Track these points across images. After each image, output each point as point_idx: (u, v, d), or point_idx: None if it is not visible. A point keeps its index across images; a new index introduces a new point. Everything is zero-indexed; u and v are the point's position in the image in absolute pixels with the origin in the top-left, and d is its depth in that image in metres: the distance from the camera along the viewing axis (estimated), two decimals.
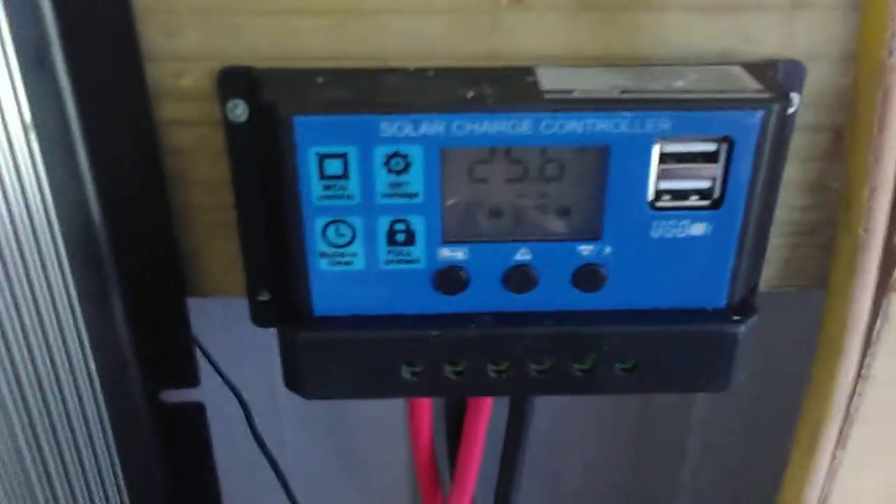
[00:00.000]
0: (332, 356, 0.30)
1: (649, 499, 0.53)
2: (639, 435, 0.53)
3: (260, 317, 0.34)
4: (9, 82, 0.26)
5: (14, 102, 0.26)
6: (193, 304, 0.35)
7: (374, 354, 0.30)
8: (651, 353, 0.30)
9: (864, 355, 0.34)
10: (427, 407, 0.33)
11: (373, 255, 0.29)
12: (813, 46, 0.30)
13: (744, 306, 0.30)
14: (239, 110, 0.30)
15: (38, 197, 0.28)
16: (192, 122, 0.31)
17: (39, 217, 0.28)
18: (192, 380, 0.36)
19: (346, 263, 0.29)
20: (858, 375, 0.33)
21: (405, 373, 0.30)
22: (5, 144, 0.27)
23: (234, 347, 0.43)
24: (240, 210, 0.32)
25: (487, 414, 0.32)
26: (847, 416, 0.36)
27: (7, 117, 0.26)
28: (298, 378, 0.30)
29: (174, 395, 0.37)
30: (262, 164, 0.30)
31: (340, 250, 0.28)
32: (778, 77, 0.29)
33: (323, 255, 0.28)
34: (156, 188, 0.32)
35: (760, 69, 0.29)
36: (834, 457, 0.36)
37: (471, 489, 0.34)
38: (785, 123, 0.29)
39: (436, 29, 0.29)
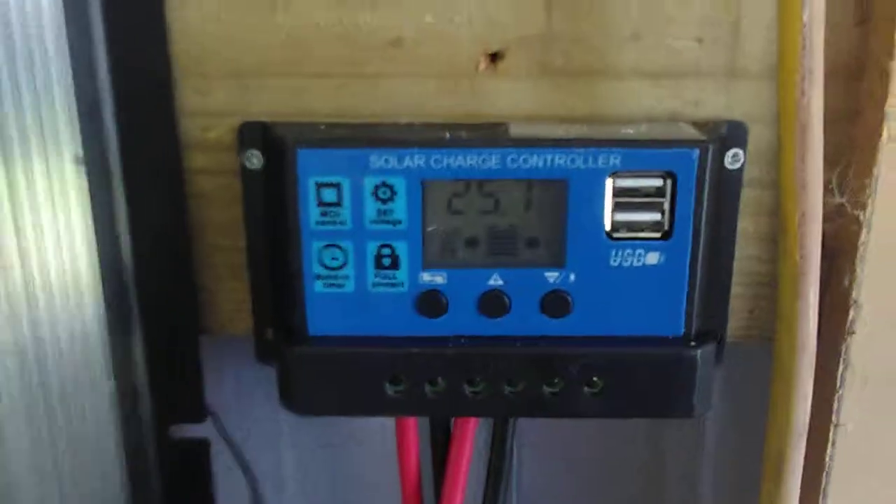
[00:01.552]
0: (323, 373, 0.33)
1: None
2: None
3: (264, 353, 0.37)
4: (68, 123, 0.31)
5: (70, 139, 0.32)
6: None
7: (361, 372, 0.33)
8: (616, 378, 0.33)
9: (826, 398, 0.36)
10: (413, 429, 0.35)
11: (362, 278, 0.32)
12: (752, 109, 0.34)
13: (702, 334, 0.33)
14: (254, 159, 0.34)
15: (83, 225, 0.33)
16: (214, 170, 0.36)
17: (81, 243, 0.33)
18: (199, 416, 0.39)
19: (339, 286, 0.32)
20: (822, 414, 0.34)
21: (389, 391, 0.33)
22: (59, 174, 0.32)
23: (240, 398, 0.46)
24: (250, 251, 0.36)
25: (471, 437, 0.35)
26: (822, 467, 0.37)
27: (64, 151, 0.32)
28: (293, 394, 0.33)
29: (182, 431, 0.39)
30: (270, 206, 0.34)
31: (334, 273, 0.32)
32: (721, 131, 0.34)
33: (318, 277, 0.32)
34: (180, 229, 0.36)
35: (706, 126, 0.34)
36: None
37: None
38: (724, 166, 0.33)
39: (424, 91, 0.34)
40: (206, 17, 0.33)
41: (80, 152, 0.32)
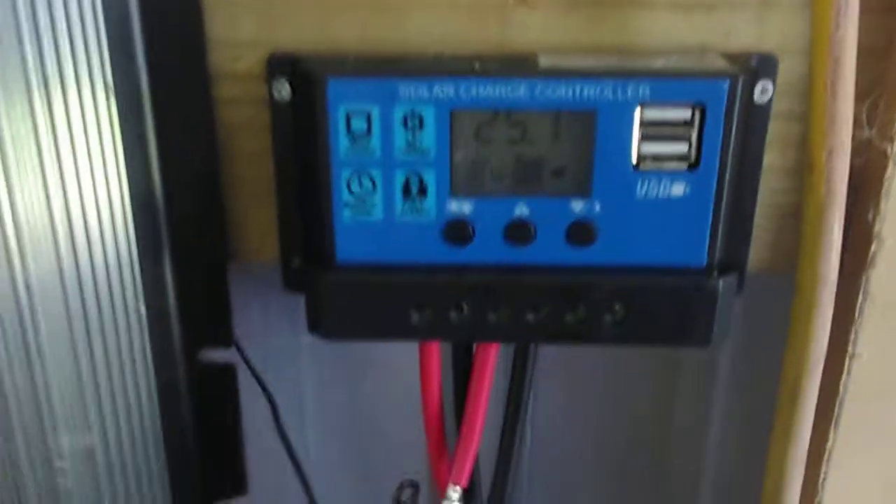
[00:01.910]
0: (351, 299, 0.34)
1: None
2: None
3: (291, 282, 0.38)
4: (98, 53, 0.32)
5: (100, 68, 0.32)
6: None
7: (387, 299, 0.34)
8: (638, 306, 0.33)
9: (843, 328, 0.36)
10: (436, 354, 0.36)
11: (390, 206, 0.33)
12: (784, 40, 0.34)
13: (724, 266, 0.33)
14: (283, 90, 0.35)
15: (113, 154, 0.33)
16: (243, 100, 0.36)
17: (112, 171, 0.34)
18: (227, 341, 0.40)
19: (367, 213, 0.33)
20: (838, 344, 0.35)
21: (415, 316, 0.34)
22: (91, 104, 0.32)
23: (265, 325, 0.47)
24: (278, 180, 0.37)
25: (493, 362, 0.35)
26: (836, 395, 0.38)
27: (95, 80, 0.32)
28: (321, 319, 0.34)
29: (210, 356, 0.40)
30: (299, 137, 0.35)
31: (362, 200, 0.33)
32: (751, 63, 0.33)
33: (347, 204, 0.33)
34: (209, 158, 0.37)
35: (737, 58, 0.33)
36: (826, 439, 0.38)
37: (477, 439, 0.36)
38: (753, 98, 0.33)
39: (452, 22, 0.34)
40: None
41: (110, 81, 0.32)
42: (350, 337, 0.35)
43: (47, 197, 0.31)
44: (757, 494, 0.40)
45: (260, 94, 0.36)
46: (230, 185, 0.38)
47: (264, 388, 0.45)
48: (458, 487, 0.36)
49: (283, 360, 0.50)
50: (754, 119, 0.34)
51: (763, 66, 0.34)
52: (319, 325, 0.34)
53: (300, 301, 0.37)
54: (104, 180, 0.34)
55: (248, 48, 0.35)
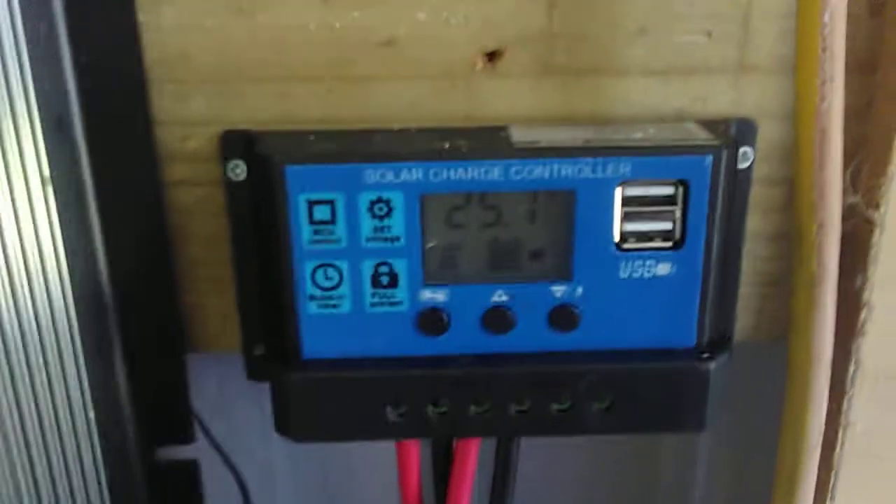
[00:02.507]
0: (320, 398, 0.31)
1: None
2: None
3: (255, 371, 0.35)
4: (31, 141, 0.29)
5: (35, 159, 0.29)
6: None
7: (360, 396, 0.31)
8: (626, 392, 0.31)
9: (836, 397, 0.35)
10: (415, 452, 0.34)
11: (359, 298, 0.30)
12: (762, 105, 0.33)
13: (714, 345, 0.32)
14: (238, 170, 0.32)
15: (52, 248, 0.31)
16: (195, 182, 0.34)
17: (51, 267, 0.31)
18: (187, 437, 0.37)
19: (334, 306, 0.31)
20: (831, 414, 0.34)
21: (390, 414, 0.31)
22: (25, 196, 0.29)
23: (229, 408, 0.44)
24: (236, 265, 0.34)
25: (474, 457, 0.33)
26: (830, 467, 0.36)
27: (28, 172, 0.29)
28: (288, 421, 0.32)
29: (169, 453, 0.37)
30: (257, 220, 0.32)
31: (328, 293, 0.30)
32: (731, 132, 0.32)
33: (312, 298, 0.30)
34: (160, 244, 0.34)
35: (714, 125, 0.32)
36: None
37: None
38: (736, 169, 0.31)
39: (419, 93, 0.32)
40: (180, 19, 0.31)
41: (48, 172, 0.29)
42: (320, 438, 0.32)
43: None
44: None
45: (213, 174, 0.33)
46: (185, 271, 0.35)
47: (236, 475, 0.42)
48: None
49: (253, 441, 0.47)
50: (736, 186, 0.32)
51: (742, 131, 0.33)
52: (288, 427, 0.32)
53: (265, 397, 0.34)
54: (42, 279, 0.31)
55: (199, 126, 0.33)
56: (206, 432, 0.40)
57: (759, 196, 0.34)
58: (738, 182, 0.33)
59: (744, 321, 0.37)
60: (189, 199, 0.34)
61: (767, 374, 0.36)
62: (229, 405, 0.44)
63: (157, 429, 0.37)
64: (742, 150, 0.32)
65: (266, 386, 0.33)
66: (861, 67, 0.32)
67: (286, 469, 0.50)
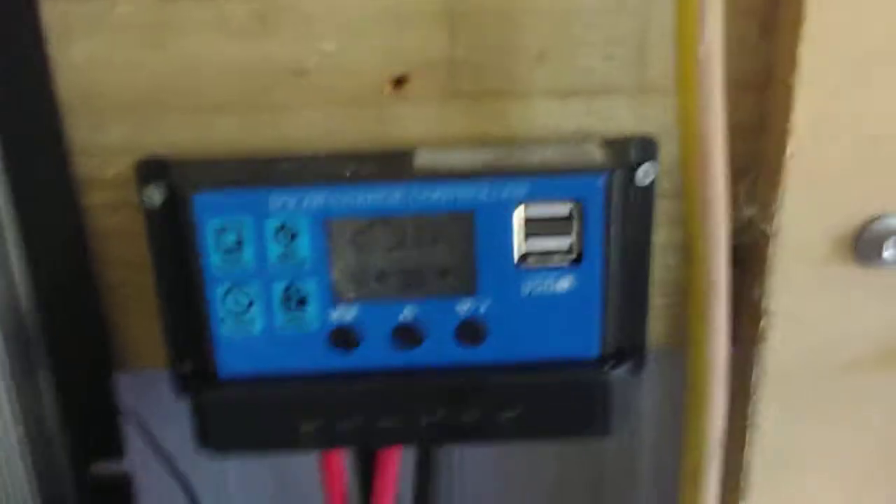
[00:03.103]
0: (237, 415, 0.32)
1: None
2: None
3: (181, 387, 0.36)
4: None
5: None
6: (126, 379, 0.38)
7: (275, 411, 0.32)
8: (534, 402, 0.33)
9: (742, 401, 0.37)
10: (338, 462, 0.35)
11: (270, 319, 0.32)
12: (664, 122, 0.34)
13: (619, 355, 0.33)
14: (155, 196, 0.33)
15: None
16: (115, 206, 0.35)
17: None
18: (118, 451, 0.38)
19: (246, 327, 0.32)
20: (738, 417, 0.35)
21: (305, 427, 0.32)
22: None
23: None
24: (158, 287, 0.35)
25: (395, 466, 0.34)
26: (740, 468, 0.38)
27: None
28: (207, 436, 0.33)
29: (103, 468, 0.38)
30: (174, 244, 0.33)
31: (240, 315, 0.31)
32: (631, 151, 0.33)
33: (225, 320, 0.31)
34: (82, 268, 0.35)
35: (616, 145, 0.33)
36: None
37: None
38: (636, 186, 0.33)
39: (330, 119, 0.33)
40: (91, 53, 0.32)
41: None
42: (238, 452, 0.33)
43: None
44: None
45: (133, 199, 0.34)
46: (109, 293, 0.36)
47: (188, 490, 0.42)
48: None
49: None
50: (638, 203, 0.34)
51: (643, 149, 0.34)
52: (206, 441, 0.33)
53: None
54: None
55: (117, 154, 0.34)
56: (151, 444, 0.41)
57: (666, 209, 0.36)
58: (641, 197, 0.34)
59: (659, 328, 0.38)
60: (110, 224, 0.35)
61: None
62: (159, 422, 0.45)
63: (88, 445, 0.37)
64: (644, 166, 0.34)
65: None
66: (752, 85, 0.34)
67: (238, 478, 0.51)
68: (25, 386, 0.35)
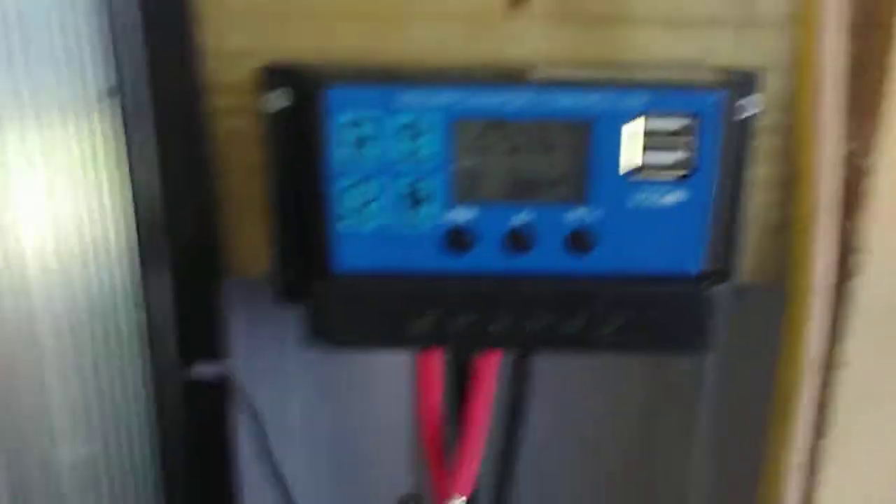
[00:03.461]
0: (349, 309, 0.34)
1: None
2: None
3: (284, 295, 0.38)
4: (95, 59, 0.31)
5: (99, 75, 0.32)
6: None
7: (386, 308, 0.34)
8: (635, 315, 0.34)
9: (831, 337, 0.37)
10: (436, 366, 0.36)
11: (389, 216, 0.33)
12: (766, 57, 0.35)
13: (717, 274, 0.34)
14: (278, 100, 0.35)
15: (113, 164, 0.33)
16: (237, 111, 0.36)
17: (115, 185, 0.33)
18: (220, 354, 0.39)
19: (365, 222, 0.33)
20: (827, 353, 0.36)
21: (414, 326, 0.34)
22: (88, 113, 0.32)
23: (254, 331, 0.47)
24: (271, 192, 0.36)
25: (493, 374, 0.35)
26: (825, 405, 0.39)
27: (92, 87, 0.31)
28: (319, 330, 0.34)
29: (204, 368, 0.39)
30: (294, 147, 0.35)
31: (359, 212, 0.33)
32: (737, 82, 0.34)
33: (343, 216, 0.33)
34: (204, 172, 0.37)
35: (723, 73, 0.34)
36: (818, 448, 0.39)
37: (480, 448, 0.36)
38: (743, 115, 0.34)
39: (449, 32, 0.35)
40: None
41: (109, 87, 0.32)
42: (347, 347, 0.35)
43: (54, 217, 0.31)
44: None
45: (255, 104, 0.36)
46: (222, 199, 0.38)
47: (252, 408, 0.44)
48: (462, 498, 0.36)
49: (270, 381, 0.49)
50: (741, 133, 0.35)
51: (747, 81, 0.35)
52: (317, 336, 0.34)
53: (287, 321, 0.36)
54: (98, 190, 0.33)
55: (242, 58, 0.35)
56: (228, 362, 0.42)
57: (763, 145, 0.37)
58: (744, 129, 0.35)
59: (747, 265, 0.39)
60: (232, 128, 0.36)
61: (768, 316, 0.38)
62: (254, 329, 0.46)
63: (193, 344, 0.39)
64: (747, 98, 0.35)
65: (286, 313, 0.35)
66: (858, 24, 0.35)
67: (302, 388, 0.52)
68: (147, 278, 0.36)
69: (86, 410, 0.32)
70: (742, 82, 0.34)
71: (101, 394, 0.35)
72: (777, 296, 0.38)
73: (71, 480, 0.28)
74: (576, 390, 0.50)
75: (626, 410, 0.51)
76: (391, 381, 0.51)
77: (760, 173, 0.37)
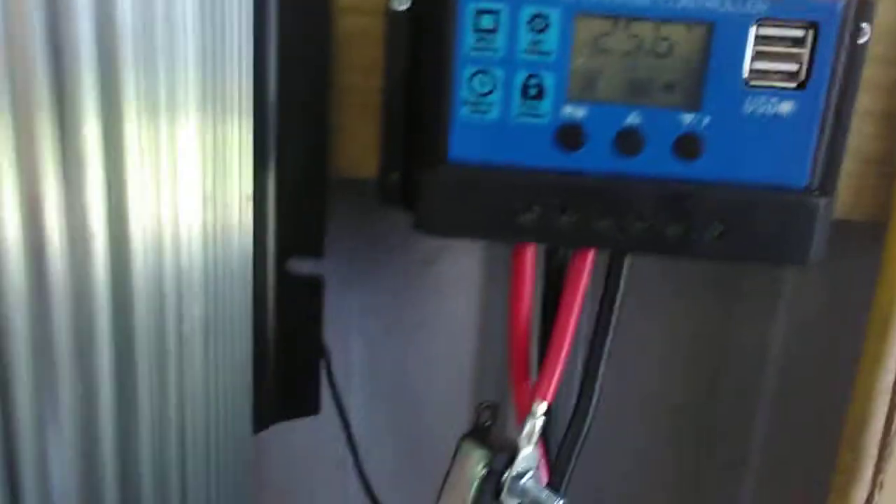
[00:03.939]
0: (460, 197, 0.35)
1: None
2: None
3: (387, 197, 0.39)
4: None
5: None
6: None
7: (495, 198, 0.35)
8: (739, 222, 0.34)
9: None
10: (530, 260, 0.37)
11: (507, 106, 0.34)
12: None
13: (822, 187, 0.35)
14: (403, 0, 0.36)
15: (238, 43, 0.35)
16: (361, 10, 0.38)
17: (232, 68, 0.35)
18: (318, 250, 0.41)
19: (484, 112, 0.34)
20: None
21: (521, 218, 0.35)
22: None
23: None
24: (387, 90, 0.38)
25: (589, 271, 0.36)
26: None
27: None
28: (429, 216, 0.35)
29: (299, 265, 0.41)
30: (419, 42, 0.36)
31: (481, 99, 0.34)
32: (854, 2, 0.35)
33: (466, 102, 0.34)
34: (324, 68, 0.38)
35: None
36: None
37: (566, 352, 0.37)
38: (860, 30, 0.34)
39: None
40: None
41: None
42: (454, 234, 0.36)
43: None
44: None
45: (378, 4, 0.37)
46: (339, 96, 0.39)
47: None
48: (543, 403, 0.36)
49: (332, 320, 0.50)
50: (856, 52, 0.35)
51: (865, 5, 0.35)
52: (428, 222, 0.35)
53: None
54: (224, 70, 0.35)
55: None
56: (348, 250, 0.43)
57: (870, 75, 0.37)
58: (858, 49, 0.35)
59: (843, 197, 0.39)
60: (354, 27, 0.38)
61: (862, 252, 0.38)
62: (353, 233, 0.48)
63: (294, 238, 0.40)
64: (861, 24, 0.35)
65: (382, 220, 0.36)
66: None
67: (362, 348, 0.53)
68: (259, 169, 0.37)
69: (205, 275, 0.33)
70: (860, 4, 0.35)
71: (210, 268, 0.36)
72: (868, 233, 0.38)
73: (194, 332, 0.30)
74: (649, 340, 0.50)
75: (694, 362, 0.51)
76: (456, 324, 0.52)
77: (863, 104, 0.38)
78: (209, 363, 0.33)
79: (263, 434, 0.41)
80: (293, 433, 0.56)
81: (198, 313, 0.32)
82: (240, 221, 0.35)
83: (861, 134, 0.38)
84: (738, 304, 0.50)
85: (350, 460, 0.51)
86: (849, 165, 0.38)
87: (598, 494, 0.55)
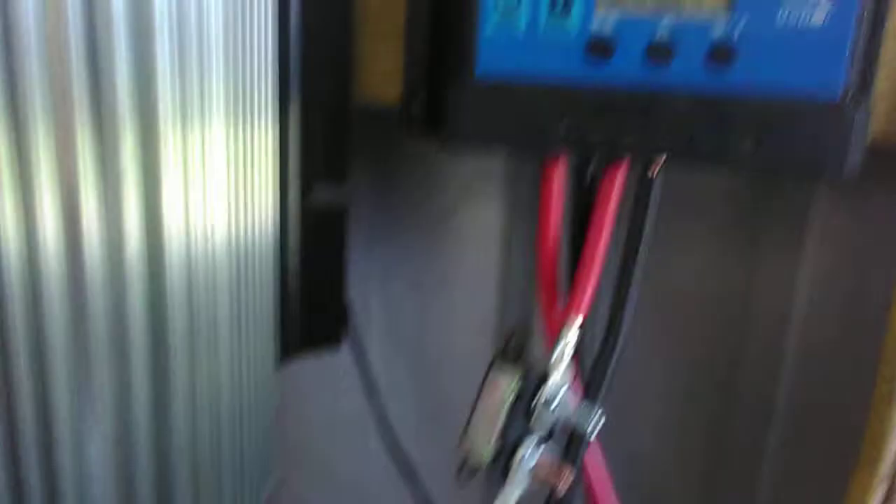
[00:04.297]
0: (489, 112, 0.34)
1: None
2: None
3: (410, 130, 0.39)
4: None
5: None
6: None
7: (525, 111, 0.34)
8: (772, 132, 0.34)
9: None
10: (561, 175, 0.36)
11: (535, 19, 0.34)
12: None
13: (857, 99, 0.34)
14: None
15: None
16: None
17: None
18: (341, 176, 0.40)
19: (511, 25, 0.34)
20: None
21: (552, 130, 0.34)
22: None
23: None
24: (410, 9, 0.37)
25: (621, 185, 0.36)
26: None
27: None
28: (458, 129, 0.35)
29: (324, 191, 0.40)
30: None
31: (508, 13, 0.34)
32: None
33: (493, 14, 0.34)
34: None
35: None
36: None
37: (599, 266, 0.36)
38: None
39: None
40: None
41: None
42: (484, 145, 0.35)
43: None
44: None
45: None
46: (360, 23, 0.39)
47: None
48: (579, 317, 0.36)
49: (352, 279, 0.49)
50: None
51: None
52: (456, 134, 0.35)
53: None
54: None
55: None
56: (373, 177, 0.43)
57: None
58: None
59: (873, 124, 0.38)
60: None
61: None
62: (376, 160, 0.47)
63: (318, 164, 0.40)
64: None
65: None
66: None
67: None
68: (282, 101, 0.37)
69: (235, 199, 0.33)
70: None
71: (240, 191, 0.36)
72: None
73: (221, 253, 0.31)
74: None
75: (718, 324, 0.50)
76: (477, 278, 0.51)
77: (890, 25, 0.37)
78: (234, 300, 0.33)
79: (283, 392, 0.41)
80: (313, 389, 0.56)
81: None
82: (264, 212, 0.35)
83: (893, 54, 0.37)
84: (765, 234, 0.49)
85: (370, 417, 0.51)
86: (881, 84, 0.38)
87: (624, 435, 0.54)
